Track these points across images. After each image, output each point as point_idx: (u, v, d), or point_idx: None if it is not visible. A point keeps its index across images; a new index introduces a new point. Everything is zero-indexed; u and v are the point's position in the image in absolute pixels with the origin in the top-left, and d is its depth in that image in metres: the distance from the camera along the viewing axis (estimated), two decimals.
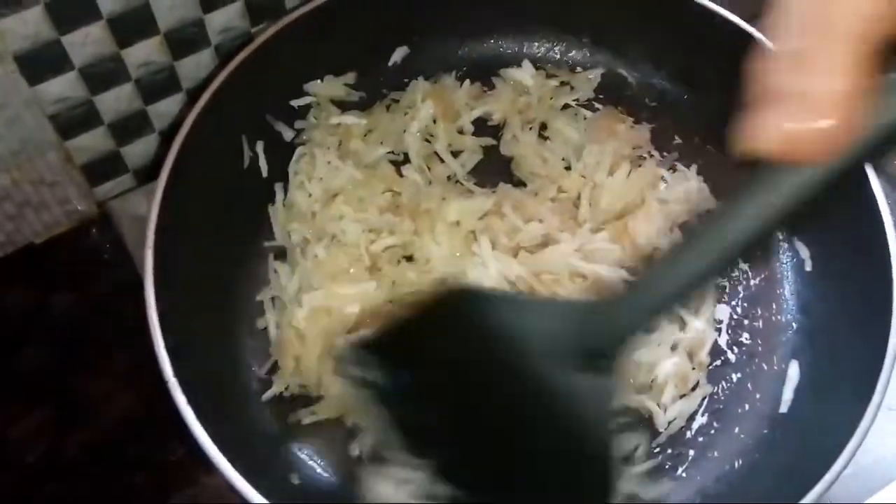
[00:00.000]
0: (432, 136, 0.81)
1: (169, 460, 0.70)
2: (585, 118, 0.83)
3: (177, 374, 0.59)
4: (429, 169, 0.79)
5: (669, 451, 0.69)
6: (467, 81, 0.84)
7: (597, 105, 0.85)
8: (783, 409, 0.70)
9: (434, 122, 0.81)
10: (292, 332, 0.70)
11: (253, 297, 0.74)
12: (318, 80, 0.81)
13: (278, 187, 0.78)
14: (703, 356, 0.72)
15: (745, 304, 0.76)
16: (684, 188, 0.79)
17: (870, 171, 0.69)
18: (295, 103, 0.81)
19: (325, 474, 0.68)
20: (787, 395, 0.71)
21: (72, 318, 0.76)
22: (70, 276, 0.78)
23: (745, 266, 0.77)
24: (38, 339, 0.75)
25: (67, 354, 0.74)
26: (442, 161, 0.80)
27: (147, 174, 0.82)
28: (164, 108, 0.78)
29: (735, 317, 0.75)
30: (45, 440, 0.71)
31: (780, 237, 0.78)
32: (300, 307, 0.70)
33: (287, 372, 0.70)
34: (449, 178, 0.79)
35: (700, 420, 0.71)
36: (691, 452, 0.69)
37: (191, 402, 0.58)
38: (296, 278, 0.72)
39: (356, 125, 0.80)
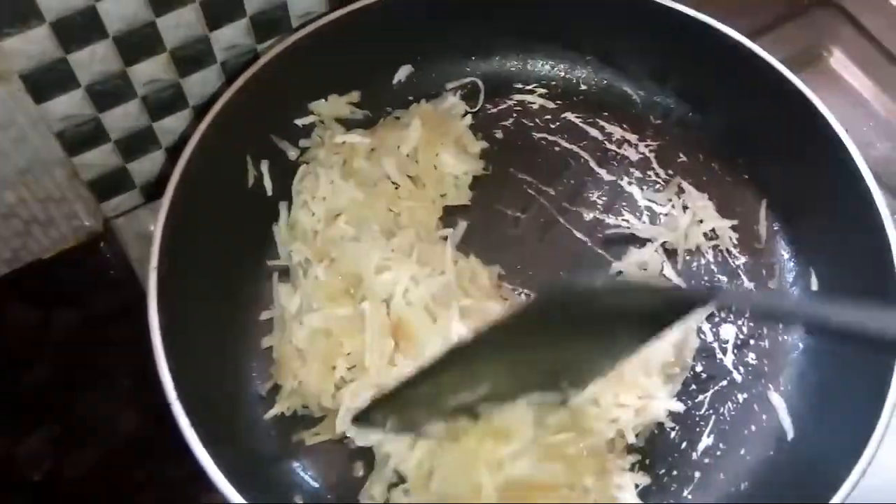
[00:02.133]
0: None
1: (172, 479, 0.70)
2: None
3: (180, 394, 0.59)
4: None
5: (675, 472, 0.69)
6: (468, 117, 0.85)
7: (601, 122, 0.85)
8: (790, 433, 0.70)
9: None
10: (293, 351, 0.70)
11: (256, 316, 0.74)
12: (323, 100, 0.82)
13: (282, 206, 0.78)
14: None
15: (751, 324, 0.75)
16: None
17: (875, 190, 0.69)
18: (300, 122, 0.81)
19: (329, 496, 0.67)
20: (786, 420, 0.71)
21: (77, 335, 0.76)
22: (76, 292, 0.78)
23: (750, 285, 0.77)
24: (43, 357, 0.75)
25: (72, 372, 0.75)
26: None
27: (154, 190, 0.82)
28: (171, 125, 0.79)
29: (741, 336, 0.75)
30: (50, 459, 0.71)
31: (787, 256, 0.78)
32: (300, 327, 0.70)
33: (287, 392, 0.69)
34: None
35: (706, 441, 0.70)
36: (697, 474, 0.69)
37: (193, 423, 0.58)
38: (297, 298, 0.72)
39: (360, 144, 0.80)
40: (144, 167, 0.80)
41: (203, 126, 0.70)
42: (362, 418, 0.60)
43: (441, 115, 0.83)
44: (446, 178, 0.80)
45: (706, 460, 0.69)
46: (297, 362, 0.69)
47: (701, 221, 0.78)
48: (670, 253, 0.78)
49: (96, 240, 0.81)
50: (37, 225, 0.77)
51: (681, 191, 0.81)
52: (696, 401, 0.72)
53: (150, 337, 0.62)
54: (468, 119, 0.84)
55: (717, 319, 0.76)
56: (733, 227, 0.79)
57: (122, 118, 0.75)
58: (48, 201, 0.76)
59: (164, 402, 0.60)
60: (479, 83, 0.86)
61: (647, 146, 0.84)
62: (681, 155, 0.83)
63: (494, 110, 0.86)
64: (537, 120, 0.86)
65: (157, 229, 0.65)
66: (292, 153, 0.80)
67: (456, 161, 0.80)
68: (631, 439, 0.67)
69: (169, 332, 0.61)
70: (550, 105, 0.86)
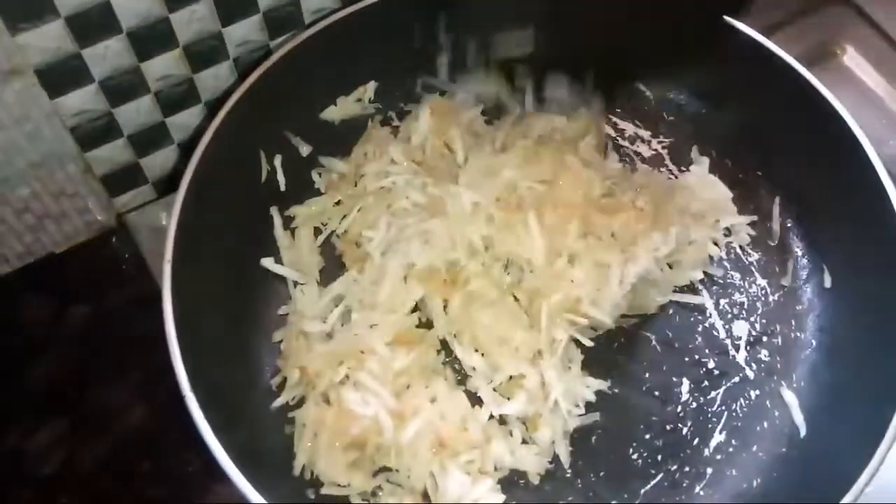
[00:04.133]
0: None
1: (183, 472, 0.70)
2: None
3: (193, 387, 0.59)
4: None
5: (687, 468, 0.69)
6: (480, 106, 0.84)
7: (614, 118, 0.85)
8: (802, 429, 0.70)
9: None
10: (302, 344, 0.71)
11: (269, 309, 0.74)
12: (333, 106, 0.82)
13: (274, 210, 0.78)
14: None
15: (764, 321, 0.76)
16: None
17: (889, 186, 0.69)
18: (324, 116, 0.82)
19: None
20: (798, 417, 0.70)
21: (89, 329, 0.77)
22: (88, 286, 0.79)
23: (763, 282, 0.77)
24: (55, 350, 0.75)
25: (84, 366, 0.75)
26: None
27: (166, 185, 0.82)
28: (184, 121, 0.79)
29: (754, 333, 0.75)
30: (61, 452, 0.71)
31: (800, 252, 0.78)
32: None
33: (293, 382, 0.70)
34: None
35: (718, 438, 0.70)
36: (709, 471, 0.69)
37: (207, 415, 0.58)
38: (325, 298, 0.73)
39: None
40: (157, 162, 0.80)
41: (217, 121, 0.71)
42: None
43: (452, 104, 0.83)
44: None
45: (718, 457, 0.69)
46: (303, 351, 0.70)
47: (717, 221, 0.78)
48: None
49: (108, 234, 0.81)
50: (50, 219, 0.78)
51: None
52: (709, 397, 0.72)
53: (163, 330, 0.62)
54: (480, 107, 0.84)
55: (729, 316, 0.76)
56: (748, 224, 0.79)
57: (135, 113, 0.75)
58: (61, 196, 0.76)
59: (175, 395, 0.61)
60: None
61: (659, 142, 0.84)
62: (694, 151, 0.83)
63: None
64: None
65: (172, 223, 0.66)
66: (304, 149, 0.80)
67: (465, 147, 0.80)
68: None
69: (183, 324, 0.62)
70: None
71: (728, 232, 0.79)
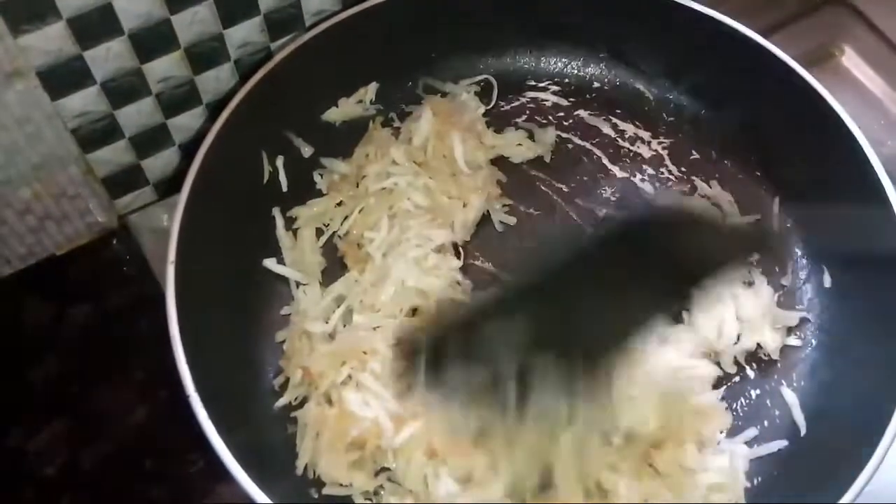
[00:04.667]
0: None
1: (186, 472, 0.70)
2: None
3: (197, 388, 0.59)
4: None
5: None
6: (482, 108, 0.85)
7: (614, 119, 0.85)
8: (802, 428, 0.70)
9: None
10: (305, 344, 0.71)
11: (271, 310, 0.74)
12: (334, 107, 0.82)
13: (276, 211, 0.78)
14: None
15: None
16: None
17: (888, 187, 0.69)
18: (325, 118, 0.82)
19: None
20: (798, 416, 0.70)
21: (90, 330, 0.77)
22: (90, 288, 0.79)
23: (763, 281, 0.77)
24: (56, 352, 0.76)
25: (85, 366, 0.75)
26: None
27: (167, 187, 0.82)
28: (185, 122, 0.79)
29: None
30: (63, 452, 0.71)
31: (800, 253, 0.78)
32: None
33: (295, 382, 0.70)
34: None
35: (719, 437, 0.70)
36: None
37: (211, 415, 0.58)
38: (326, 298, 0.73)
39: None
40: (158, 164, 0.81)
41: (219, 122, 0.71)
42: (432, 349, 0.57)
43: (454, 106, 0.84)
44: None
45: None
46: (306, 351, 0.70)
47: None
48: None
49: (109, 236, 0.81)
50: (51, 221, 0.78)
51: (694, 188, 0.81)
52: None
53: (165, 330, 0.62)
54: (482, 109, 0.85)
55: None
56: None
57: (137, 115, 0.75)
58: (62, 197, 0.77)
59: (177, 396, 0.61)
60: (493, 80, 0.86)
61: (659, 143, 0.84)
62: (693, 152, 0.83)
63: (507, 107, 0.86)
64: (550, 117, 0.86)
65: (175, 224, 0.66)
66: (306, 150, 0.81)
67: (466, 149, 0.80)
68: None
69: (186, 325, 0.62)
70: (563, 102, 0.86)
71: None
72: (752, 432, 0.70)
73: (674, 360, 0.70)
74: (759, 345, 0.73)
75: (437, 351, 0.57)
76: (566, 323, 0.58)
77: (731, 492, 0.66)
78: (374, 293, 0.73)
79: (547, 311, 0.58)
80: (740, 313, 0.72)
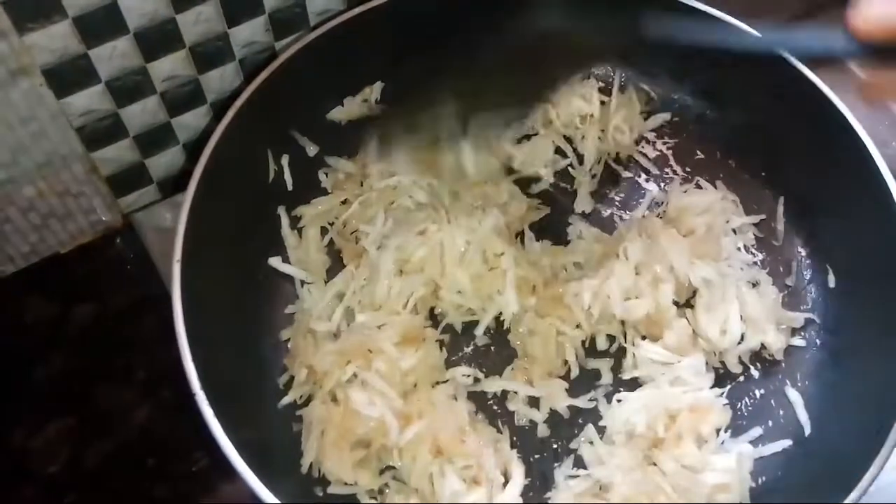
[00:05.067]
0: None
1: (188, 471, 0.70)
2: None
3: (203, 385, 0.59)
4: None
5: None
6: None
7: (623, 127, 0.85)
8: (807, 428, 0.70)
9: None
10: (309, 342, 0.71)
11: (276, 309, 0.74)
12: (340, 106, 0.82)
13: (281, 210, 0.78)
14: None
15: None
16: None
17: (893, 187, 0.69)
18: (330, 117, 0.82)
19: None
20: (802, 415, 0.71)
21: (94, 328, 0.77)
22: (93, 286, 0.79)
23: (768, 281, 0.77)
24: (60, 350, 0.76)
25: (88, 365, 0.75)
26: None
27: (171, 186, 0.82)
28: (189, 121, 0.79)
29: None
30: (66, 451, 0.71)
31: (804, 253, 0.78)
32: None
33: (300, 381, 0.70)
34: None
35: (723, 436, 0.70)
36: None
37: (217, 413, 0.58)
38: (326, 296, 0.73)
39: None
40: (162, 163, 0.81)
41: (225, 121, 0.71)
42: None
43: None
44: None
45: None
46: (311, 350, 0.70)
47: (727, 221, 0.78)
48: None
49: (113, 234, 0.81)
50: (55, 219, 0.78)
51: (698, 188, 0.82)
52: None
53: (170, 329, 0.62)
54: None
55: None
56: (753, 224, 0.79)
57: (141, 114, 0.75)
58: (66, 196, 0.77)
59: (181, 394, 0.61)
60: None
61: (664, 143, 0.84)
62: (698, 152, 0.84)
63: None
64: None
65: (181, 222, 0.66)
66: (311, 149, 0.81)
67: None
68: None
69: (192, 323, 0.62)
70: None
71: (733, 232, 0.79)
72: (756, 432, 0.70)
73: (659, 355, 0.71)
74: (763, 345, 0.73)
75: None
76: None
77: (736, 492, 0.66)
78: (370, 290, 0.73)
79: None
80: (745, 313, 0.72)
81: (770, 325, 0.72)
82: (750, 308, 0.72)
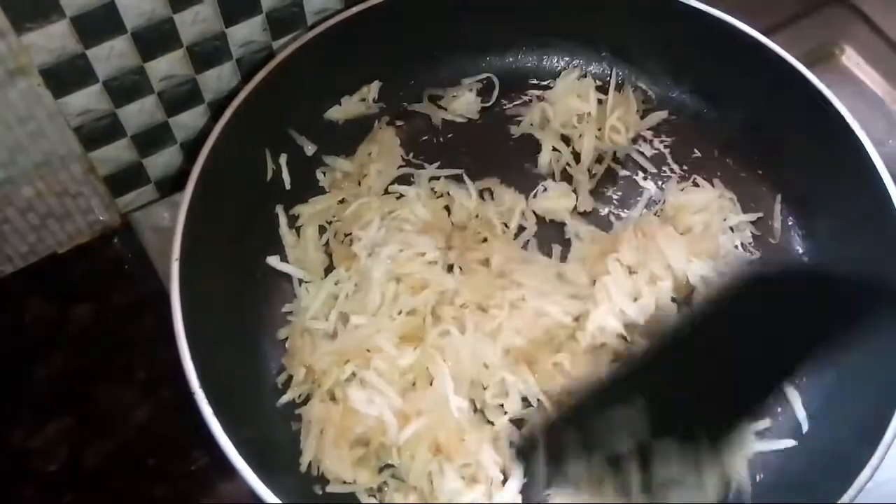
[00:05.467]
0: None
1: (188, 470, 0.70)
2: None
3: (202, 384, 0.59)
4: None
5: None
6: None
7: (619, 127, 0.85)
8: (804, 425, 0.70)
9: None
10: (307, 341, 0.71)
11: (274, 308, 0.74)
12: (337, 105, 0.83)
13: (279, 209, 0.78)
14: None
15: None
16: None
17: (890, 186, 0.69)
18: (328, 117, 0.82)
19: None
20: (800, 413, 0.71)
21: (93, 328, 0.77)
22: (91, 286, 0.79)
23: None
24: (58, 350, 0.76)
25: (87, 365, 0.75)
26: None
27: (169, 185, 0.83)
28: (186, 121, 0.79)
29: None
30: (66, 450, 0.71)
31: (801, 251, 0.78)
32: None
33: (298, 380, 0.70)
34: None
35: None
36: None
37: (216, 412, 0.58)
38: (321, 295, 0.73)
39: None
40: (159, 162, 0.81)
41: (223, 120, 0.71)
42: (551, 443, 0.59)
43: None
44: None
45: None
46: (308, 349, 0.70)
47: (724, 219, 0.78)
48: None
49: (111, 234, 0.81)
50: (53, 219, 0.78)
51: (695, 186, 0.82)
52: None
53: (168, 328, 0.62)
54: None
55: None
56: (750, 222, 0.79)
57: (139, 113, 0.75)
58: (64, 195, 0.77)
59: (179, 394, 0.61)
60: (495, 79, 0.86)
61: (661, 142, 0.84)
62: (695, 150, 0.84)
63: (510, 106, 0.86)
64: None
65: (180, 221, 0.66)
66: (309, 148, 0.81)
67: None
68: None
69: (190, 322, 0.62)
70: None
71: (730, 230, 0.79)
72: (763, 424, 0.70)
73: None
74: None
75: (555, 444, 0.59)
76: (681, 404, 0.58)
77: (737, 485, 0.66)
78: (362, 297, 0.73)
79: (661, 392, 0.57)
80: None
81: None
82: None
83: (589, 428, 0.58)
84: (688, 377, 0.58)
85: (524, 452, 0.62)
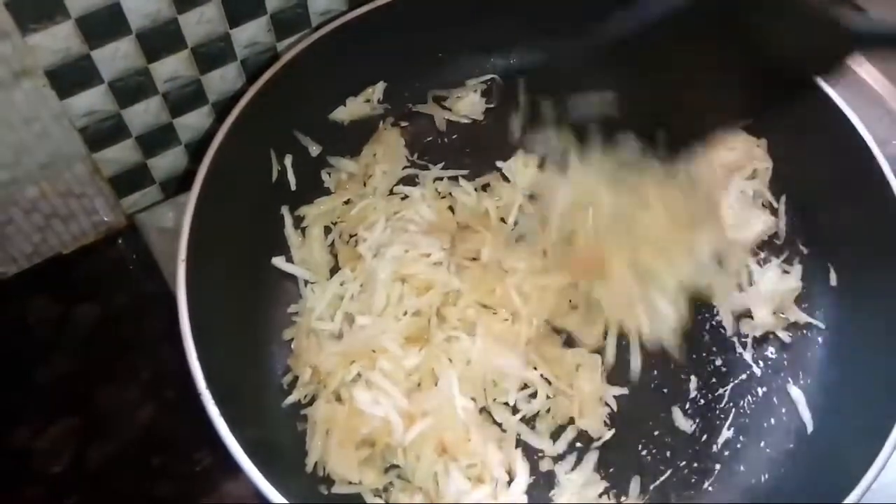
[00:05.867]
0: None
1: (192, 471, 0.70)
2: None
3: (208, 385, 0.59)
4: None
5: (695, 464, 0.69)
6: None
7: None
8: (809, 425, 0.70)
9: None
10: (313, 342, 0.71)
11: (280, 308, 0.74)
12: (342, 106, 0.83)
13: (285, 210, 0.78)
14: None
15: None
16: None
17: (894, 186, 0.69)
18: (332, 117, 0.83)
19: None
20: (805, 413, 0.71)
21: (97, 328, 0.77)
22: (96, 287, 0.79)
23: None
24: (63, 350, 0.76)
25: (91, 366, 0.75)
26: None
27: (174, 186, 0.83)
28: (191, 122, 0.79)
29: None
30: (70, 451, 0.71)
31: (805, 251, 0.79)
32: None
33: (304, 381, 0.70)
34: None
35: (726, 434, 0.71)
36: (717, 466, 0.69)
37: (222, 413, 0.58)
38: (326, 296, 0.74)
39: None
40: (164, 163, 0.81)
41: (229, 121, 0.71)
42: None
43: None
44: None
45: (726, 453, 0.70)
46: (314, 350, 0.70)
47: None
48: None
49: (116, 235, 0.81)
50: (57, 220, 0.78)
51: None
52: (716, 394, 0.72)
53: (175, 329, 0.62)
54: None
55: (736, 313, 0.76)
56: None
57: (143, 114, 0.75)
58: (69, 196, 0.77)
59: (184, 394, 0.61)
60: (499, 80, 0.87)
61: None
62: None
63: None
64: None
65: (186, 222, 0.66)
66: (314, 149, 0.81)
67: None
68: None
69: (197, 323, 0.62)
70: None
71: None
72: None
73: None
74: (766, 333, 0.74)
75: (533, 110, 0.61)
76: (652, 102, 0.59)
77: None
78: (367, 298, 0.73)
79: (636, 87, 0.58)
80: (762, 288, 0.74)
81: (777, 306, 0.74)
82: (768, 285, 0.74)
83: (562, 101, 0.61)
84: (660, 86, 0.59)
85: (507, 107, 0.63)
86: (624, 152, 0.61)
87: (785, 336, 0.75)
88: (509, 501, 0.65)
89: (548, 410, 0.70)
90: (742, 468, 0.69)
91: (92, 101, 0.71)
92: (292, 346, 0.73)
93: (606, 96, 0.59)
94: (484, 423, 0.69)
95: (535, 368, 0.71)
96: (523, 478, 0.67)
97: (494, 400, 0.70)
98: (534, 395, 0.71)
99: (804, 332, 0.75)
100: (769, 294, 0.74)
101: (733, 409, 0.72)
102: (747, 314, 0.75)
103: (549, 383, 0.70)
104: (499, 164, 0.82)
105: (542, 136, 0.62)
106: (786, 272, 0.77)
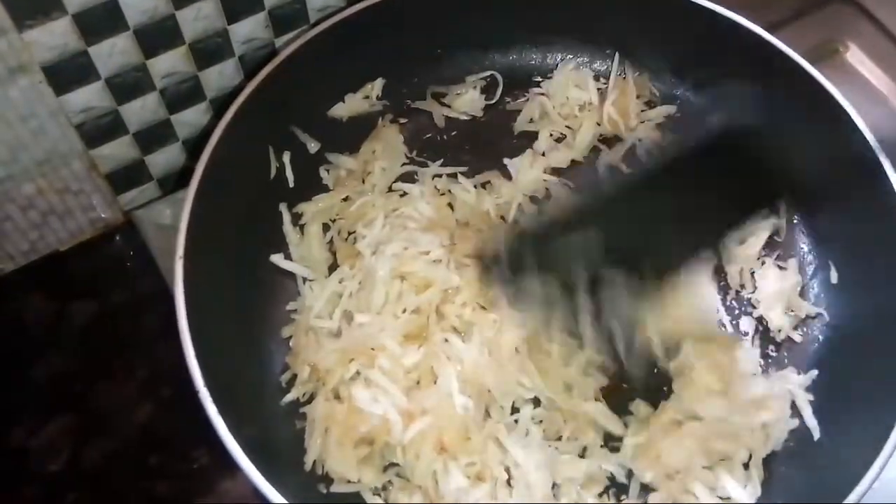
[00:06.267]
0: None
1: (190, 469, 0.70)
2: None
3: (206, 383, 0.59)
4: None
5: None
6: None
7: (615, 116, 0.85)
8: (809, 425, 0.70)
9: None
10: (312, 340, 0.71)
11: (278, 306, 0.74)
12: (341, 103, 0.82)
13: (283, 207, 0.78)
14: None
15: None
16: None
17: (893, 178, 0.69)
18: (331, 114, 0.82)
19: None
20: (805, 413, 0.70)
21: (94, 326, 0.77)
22: (93, 284, 0.79)
23: None
24: (60, 347, 0.75)
25: (88, 363, 0.75)
26: None
27: (171, 183, 0.82)
28: (188, 118, 0.79)
29: (761, 329, 0.75)
30: (67, 449, 0.71)
31: (806, 249, 0.78)
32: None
33: (303, 378, 0.70)
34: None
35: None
36: None
37: (220, 410, 0.58)
38: (325, 294, 0.73)
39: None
40: (161, 160, 0.81)
41: (227, 118, 0.71)
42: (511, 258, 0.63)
43: None
44: None
45: None
46: (313, 348, 0.70)
47: None
48: None
49: (113, 232, 0.81)
50: (54, 216, 0.77)
51: None
52: None
53: (170, 327, 0.62)
54: None
55: (736, 312, 0.76)
56: None
57: (141, 111, 0.75)
58: (66, 193, 0.76)
59: (181, 392, 0.61)
60: (498, 76, 0.86)
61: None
62: None
63: (514, 103, 0.86)
64: None
65: (183, 219, 0.66)
66: (313, 145, 0.81)
67: None
68: None
69: (194, 320, 0.62)
70: None
71: None
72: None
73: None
74: (767, 328, 0.74)
75: (515, 261, 0.63)
76: (635, 238, 0.62)
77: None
78: (366, 295, 0.72)
79: (616, 226, 0.62)
80: (768, 290, 0.74)
81: (780, 304, 0.74)
82: (768, 282, 0.74)
83: (545, 251, 0.63)
84: (641, 215, 0.63)
85: (487, 266, 0.67)
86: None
87: (796, 335, 0.74)
88: (509, 501, 0.65)
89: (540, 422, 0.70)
90: None
91: (89, 97, 0.71)
92: (291, 343, 0.72)
93: (591, 236, 0.62)
94: (483, 421, 0.68)
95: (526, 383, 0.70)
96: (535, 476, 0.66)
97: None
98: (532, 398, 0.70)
99: (805, 330, 0.75)
100: (776, 294, 0.74)
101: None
102: (760, 319, 0.75)
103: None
104: (505, 160, 0.82)
105: (527, 286, 0.64)
106: (782, 268, 0.76)
